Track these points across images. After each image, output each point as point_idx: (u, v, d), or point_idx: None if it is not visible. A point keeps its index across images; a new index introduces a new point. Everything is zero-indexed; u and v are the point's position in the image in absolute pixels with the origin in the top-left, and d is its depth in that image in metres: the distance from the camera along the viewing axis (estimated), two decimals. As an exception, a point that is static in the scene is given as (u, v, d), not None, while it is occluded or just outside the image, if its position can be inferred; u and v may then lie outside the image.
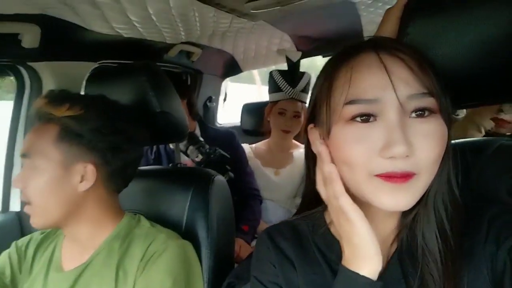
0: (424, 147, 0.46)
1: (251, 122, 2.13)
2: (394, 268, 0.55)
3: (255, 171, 1.75)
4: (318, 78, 0.57)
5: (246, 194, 1.63)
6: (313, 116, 0.57)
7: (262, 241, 0.65)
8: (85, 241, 0.82)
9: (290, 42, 1.85)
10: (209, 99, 2.06)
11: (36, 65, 1.09)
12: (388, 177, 0.46)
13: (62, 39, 1.05)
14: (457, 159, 0.52)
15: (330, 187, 0.52)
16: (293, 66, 1.69)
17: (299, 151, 1.79)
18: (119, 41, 1.20)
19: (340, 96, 0.49)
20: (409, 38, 0.57)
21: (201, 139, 1.35)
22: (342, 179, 0.52)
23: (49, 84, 1.10)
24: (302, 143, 1.83)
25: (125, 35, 1.17)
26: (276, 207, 1.72)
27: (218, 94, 2.15)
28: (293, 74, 1.68)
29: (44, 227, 0.82)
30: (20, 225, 1.16)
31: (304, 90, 1.70)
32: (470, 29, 0.59)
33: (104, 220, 0.83)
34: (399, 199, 0.47)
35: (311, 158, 0.60)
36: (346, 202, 0.50)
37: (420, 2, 0.65)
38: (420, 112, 0.47)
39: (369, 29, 1.71)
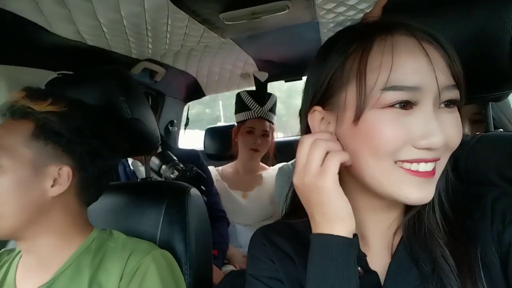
0: (452, 135, 0.47)
1: (214, 147, 2.08)
2: (402, 257, 0.53)
3: (223, 194, 1.68)
4: (326, 57, 0.52)
5: (212, 216, 1.54)
6: (324, 99, 0.52)
7: (256, 239, 0.62)
8: (48, 256, 0.70)
9: (254, 65, 1.88)
10: (171, 123, 1.99)
11: (-15, 67, 0.97)
12: (415, 171, 0.46)
13: (20, 40, 0.95)
14: None
15: (317, 151, 0.48)
16: (262, 85, 1.70)
17: (268, 172, 1.76)
18: (82, 49, 1.12)
19: (375, 79, 0.46)
20: None
21: (174, 158, 1.28)
22: (360, 174, 0.50)
23: (-1, 90, 0.98)
24: (269, 166, 1.83)
25: (90, 42, 1.09)
26: (246, 231, 1.64)
27: (180, 118, 2.09)
28: (261, 94, 1.69)
29: None
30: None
31: (271, 110, 1.71)
32: (442, 29, 0.64)
33: (71, 233, 0.72)
34: (425, 192, 0.47)
35: None
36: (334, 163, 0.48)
37: (397, 4, 0.70)
38: (448, 103, 0.48)
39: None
